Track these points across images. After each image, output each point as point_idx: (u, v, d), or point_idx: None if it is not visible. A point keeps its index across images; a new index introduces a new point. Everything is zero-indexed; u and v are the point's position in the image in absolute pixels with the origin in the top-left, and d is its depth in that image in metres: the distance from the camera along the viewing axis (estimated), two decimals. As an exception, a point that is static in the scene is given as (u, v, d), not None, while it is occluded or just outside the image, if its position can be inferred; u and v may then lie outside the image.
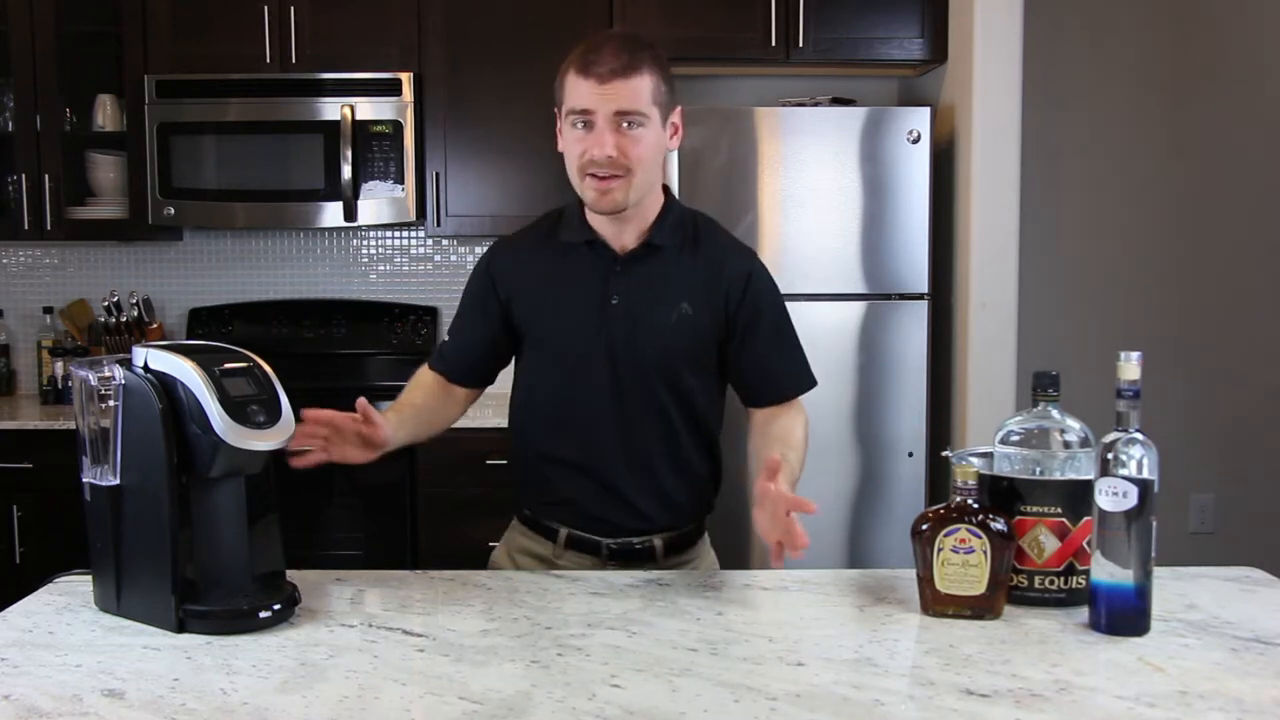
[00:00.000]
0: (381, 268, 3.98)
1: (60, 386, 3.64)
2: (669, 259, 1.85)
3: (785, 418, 1.90)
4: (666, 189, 1.89)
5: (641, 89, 1.73)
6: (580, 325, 1.84)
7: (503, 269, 1.91)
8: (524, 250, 1.93)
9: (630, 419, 1.84)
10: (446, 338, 1.99)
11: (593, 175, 1.75)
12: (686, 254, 1.86)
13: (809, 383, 1.96)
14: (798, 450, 1.85)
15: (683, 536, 1.92)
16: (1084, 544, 1.54)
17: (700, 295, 1.84)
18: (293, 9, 3.54)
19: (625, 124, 1.72)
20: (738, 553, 3.46)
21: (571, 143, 1.77)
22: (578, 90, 1.73)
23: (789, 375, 1.93)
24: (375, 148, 3.53)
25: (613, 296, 1.83)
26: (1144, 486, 1.44)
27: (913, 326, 3.42)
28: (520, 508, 1.98)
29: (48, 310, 3.87)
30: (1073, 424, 1.61)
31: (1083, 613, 1.52)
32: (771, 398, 1.92)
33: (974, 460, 1.59)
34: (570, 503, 1.89)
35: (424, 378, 2.00)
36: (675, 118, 1.82)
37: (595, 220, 1.85)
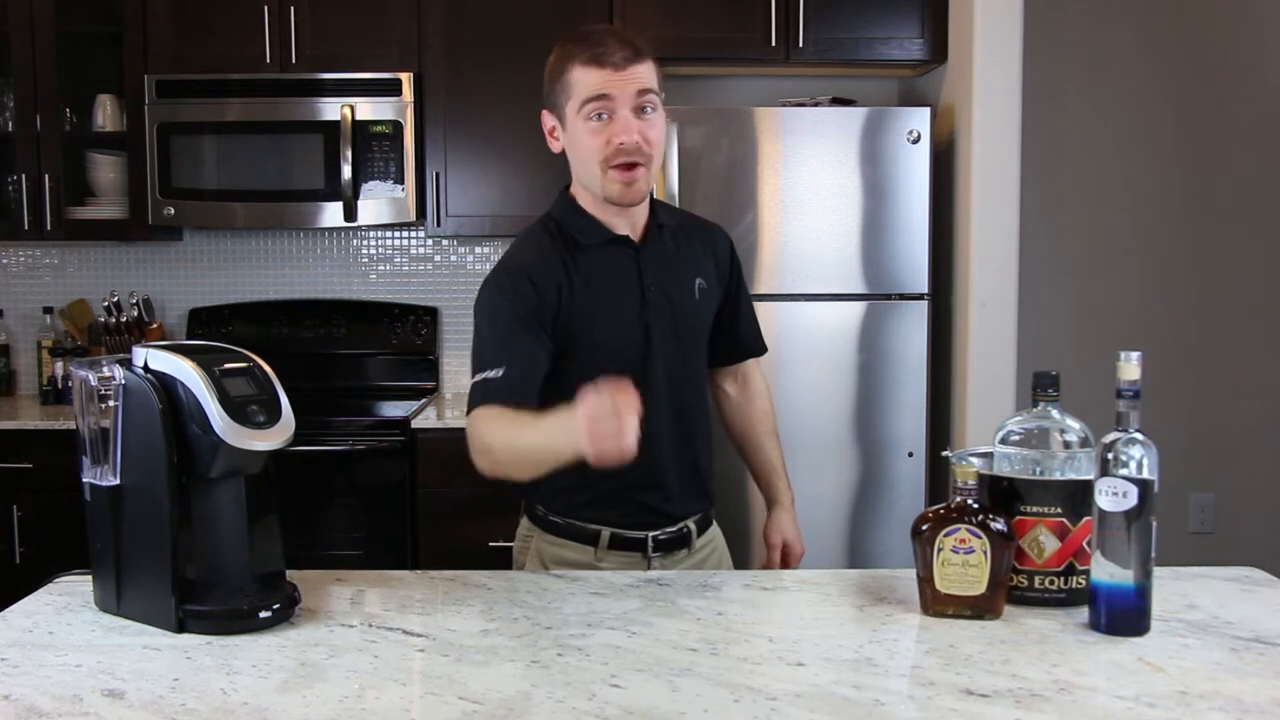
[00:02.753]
0: (381, 268, 3.98)
1: (60, 386, 3.64)
2: (672, 239, 1.91)
3: (755, 380, 2.13)
4: None
5: (651, 71, 1.77)
6: (628, 319, 1.83)
7: (546, 284, 1.79)
8: (553, 259, 1.82)
9: (679, 398, 1.89)
10: (493, 373, 1.75)
11: (616, 167, 1.74)
12: (681, 232, 1.93)
13: (762, 344, 2.13)
14: (774, 428, 2.14)
15: (705, 517, 2.00)
16: (1084, 544, 1.54)
17: (707, 269, 1.93)
18: (293, 9, 3.54)
19: (644, 108, 1.75)
20: (738, 553, 3.45)
21: (587, 136, 1.74)
22: (591, 80, 1.71)
23: (758, 334, 2.10)
24: (375, 148, 3.53)
25: (649, 286, 1.85)
26: (1144, 486, 1.44)
27: (913, 326, 3.42)
28: (547, 517, 1.91)
29: (48, 310, 3.87)
30: (1073, 424, 1.61)
31: (1083, 613, 1.52)
32: (745, 353, 2.09)
33: (974, 460, 1.59)
34: (615, 500, 1.85)
35: (501, 417, 1.72)
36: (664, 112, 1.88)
37: (606, 217, 1.83)
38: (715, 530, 2.04)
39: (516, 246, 1.88)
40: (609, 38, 1.74)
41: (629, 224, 1.86)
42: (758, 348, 2.10)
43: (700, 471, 1.95)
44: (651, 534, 1.89)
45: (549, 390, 1.76)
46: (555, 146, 1.82)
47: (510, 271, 1.81)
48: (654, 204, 1.91)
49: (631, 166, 1.74)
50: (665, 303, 1.86)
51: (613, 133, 1.73)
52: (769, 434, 2.13)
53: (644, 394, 1.74)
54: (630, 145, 1.72)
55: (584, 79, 1.72)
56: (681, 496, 1.92)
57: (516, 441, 1.68)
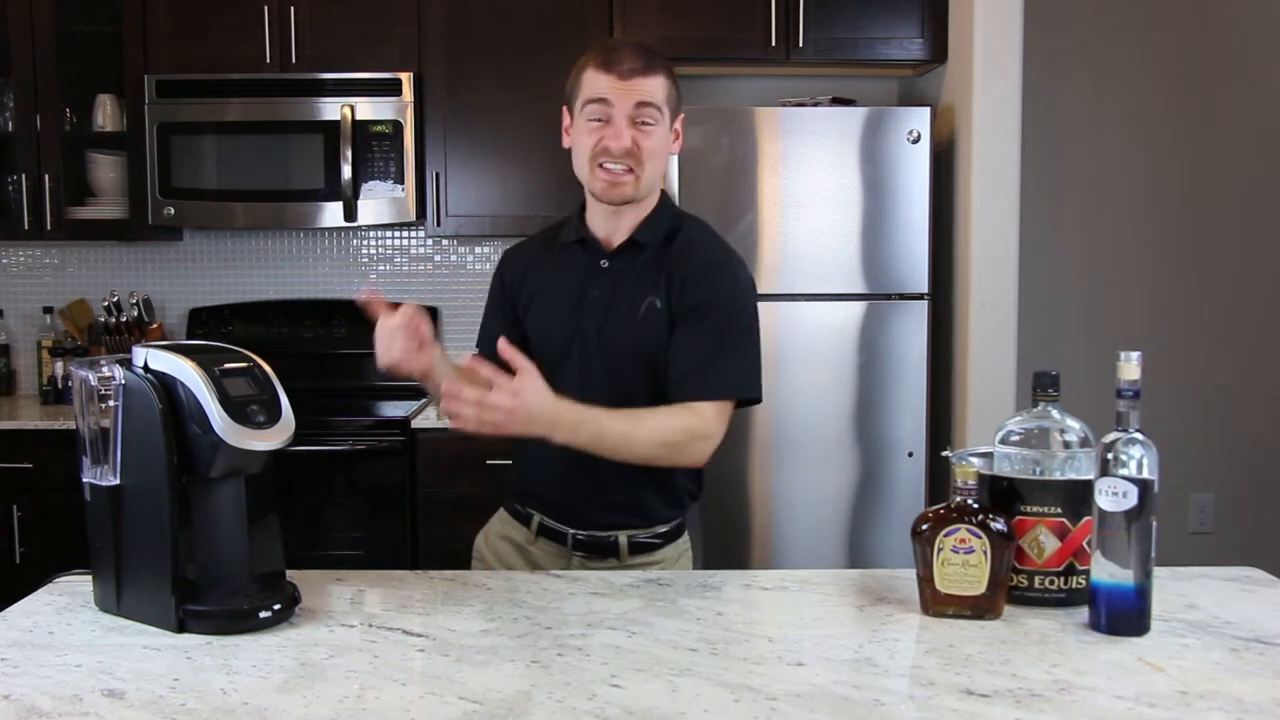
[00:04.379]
0: (381, 268, 3.98)
1: (60, 386, 3.64)
2: (649, 255, 1.89)
3: (669, 407, 1.80)
4: (664, 193, 1.95)
5: (658, 87, 1.82)
6: (559, 319, 1.90)
7: (511, 271, 2.00)
8: (527, 254, 2.01)
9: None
10: (476, 349, 1.99)
11: (604, 166, 1.81)
12: (660, 252, 1.90)
13: (722, 390, 1.82)
14: (636, 423, 1.76)
15: (653, 536, 1.93)
16: (1084, 544, 1.54)
17: (664, 292, 1.86)
18: (293, 9, 3.54)
19: (641, 120, 1.80)
20: (738, 553, 3.46)
21: (585, 134, 1.83)
22: (597, 83, 1.81)
23: (697, 379, 1.81)
24: (375, 148, 3.53)
25: (593, 290, 1.88)
26: (1144, 486, 1.44)
27: (913, 326, 3.42)
28: (506, 495, 2.04)
29: (48, 310, 3.87)
30: (1073, 424, 1.61)
31: (1083, 613, 1.52)
32: (675, 394, 1.82)
33: (974, 460, 1.59)
34: (543, 489, 1.94)
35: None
36: (678, 124, 1.89)
37: (592, 218, 1.92)
38: (668, 553, 1.96)
39: (528, 237, 2.08)
40: (627, 48, 1.83)
41: (610, 229, 1.90)
42: (688, 391, 1.81)
43: (630, 491, 1.87)
44: (572, 531, 1.92)
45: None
46: (566, 142, 1.91)
47: (501, 260, 2.05)
48: (658, 219, 1.90)
49: (619, 170, 1.81)
50: (602, 312, 1.87)
51: (606, 134, 1.81)
52: (632, 412, 1.78)
53: (565, 394, 1.78)
54: (617, 150, 1.80)
55: (592, 81, 1.81)
56: (601, 508, 1.89)
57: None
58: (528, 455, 1.95)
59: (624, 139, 1.80)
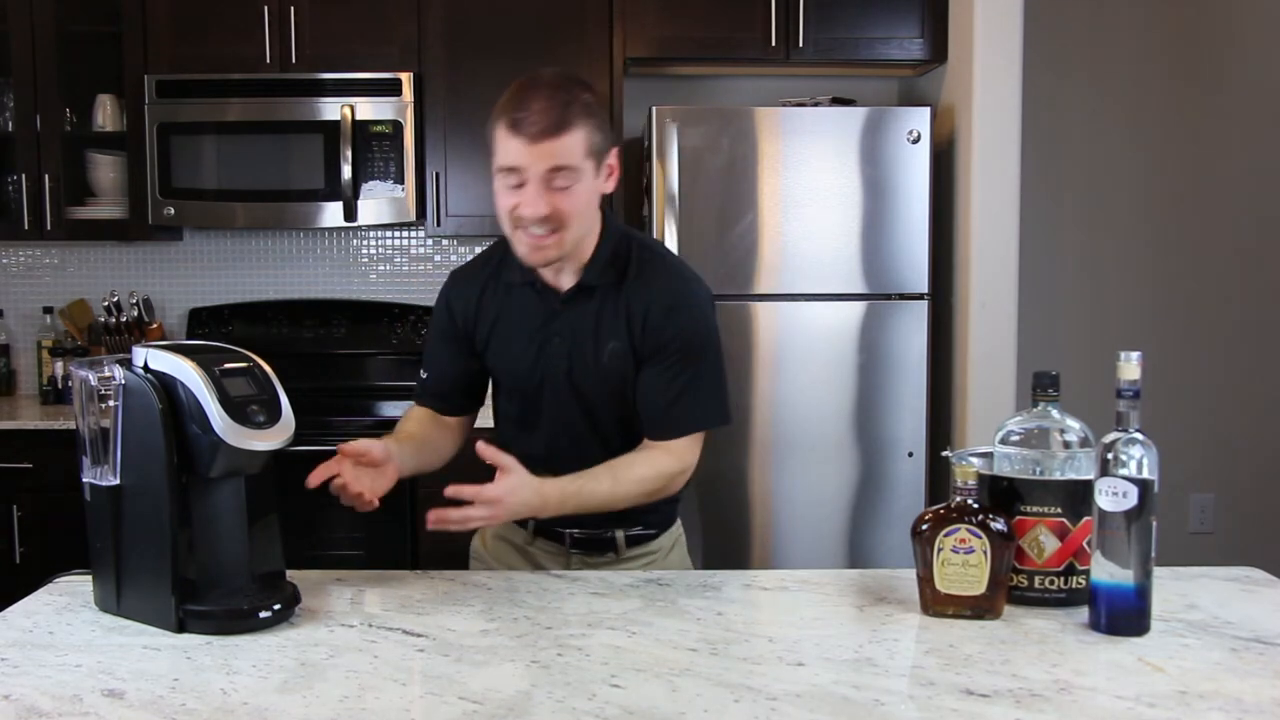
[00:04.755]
0: (381, 268, 3.98)
1: (60, 386, 3.64)
2: (602, 297, 1.83)
3: (643, 452, 1.83)
4: (606, 217, 1.85)
5: (573, 145, 1.68)
6: (526, 361, 1.86)
7: (458, 302, 1.93)
8: (475, 285, 1.91)
9: (575, 445, 1.86)
10: (423, 373, 1.99)
11: (524, 229, 1.72)
12: (615, 291, 1.82)
13: (693, 424, 1.83)
14: (619, 481, 1.78)
15: (647, 528, 1.95)
16: (1084, 544, 1.54)
17: (624, 334, 1.81)
18: (293, 9, 3.54)
19: (557, 183, 1.69)
20: (738, 553, 3.46)
21: (501, 195, 1.73)
22: (507, 148, 1.69)
23: (671, 418, 1.82)
24: (375, 148, 3.53)
25: (554, 336, 1.84)
26: (1144, 486, 1.44)
27: (913, 326, 3.42)
28: None
29: (48, 310, 3.87)
30: (1073, 424, 1.61)
31: (1083, 613, 1.52)
32: (653, 434, 1.83)
33: (974, 460, 1.59)
34: None
35: (415, 411, 2.00)
36: (611, 159, 1.77)
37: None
38: (663, 540, 1.97)
39: (473, 259, 1.98)
40: (536, 101, 1.67)
41: (554, 273, 1.83)
42: (663, 430, 1.82)
43: (613, 518, 1.88)
44: (569, 531, 1.91)
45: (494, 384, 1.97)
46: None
47: (446, 287, 1.96)
48: (601, 258, 1.82)
49: (540, 234, 1.72)
50: (567, 358, 1.83)
51: (522, 201, 1.70)
52: (610, 467, 1.80)
53: (551, 421, 1.87)
54: (533, 218, 1.69)
55: (502, 144, 1.70)
56: (591, 517, 1.87)
57: (395, 431, 1.93)
58: (521, 462, 1.91)
59: (539, 206, 1.68)
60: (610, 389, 1.84)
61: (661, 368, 1.81)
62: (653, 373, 1.81)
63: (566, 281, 1.83)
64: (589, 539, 1.92)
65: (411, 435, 1.91)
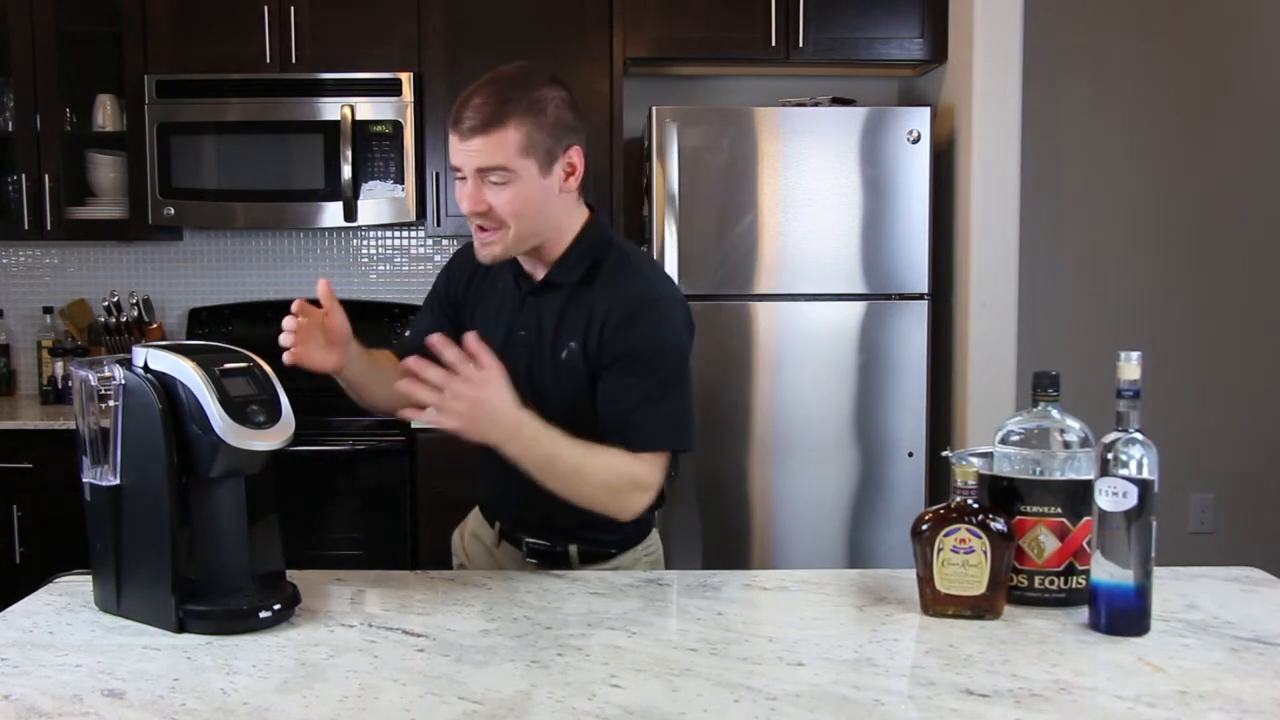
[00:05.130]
0: (381, 268, 3.98)
1: (60, 386, 3.64)
2: (565, 296, 1.79)
3: (616, 450, 1.71)
4: (593, 220, 1.82)
5: (504, 143, 1.66)
6: (498, 351, 1.78)
7: (457, 271, 1.94)
8: (469, 263, 1.90)
9: None
10: (408, 333, 2.02)
11: (476, 224, 1.73)
12: (580, 291, 1.78)
13: (648, 444, 1.71)
14: (588, 457, 1.67)
15: (603, 546, 1.88)
16: (1084, 544, 1.54)
17: (582, 333, 1.76)
18: (293, 9, 3.54)
19: (491, 178, 1.68)
20: (738, 553, 3.46)
21: (456, 189, 1.75)
22: (451, 144, 1.72)
23: (638, 428, 1.72)
24: (375, 148, 3.53)
25: (520, 329, 1.83)
26: (1144, 486, 1.44)
27: (913, 326, 3.42)
28: (480, 494, 2.03)
29: (48, 310, 3.87)
30: (1073, 424, 1.61)
31: (1083, 613, 1.52)
32: (615, 443, 1.72)
33: (974, 460, 1.59)
34: (497, 498, 1.94)
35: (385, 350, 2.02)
36: (572, 156, 1.73)
37: None
38: (623, 560, 1.90)
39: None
40: (476, 98, 1.69)
41: (533, 265, 1.82)
42: (620, 442, 1.71)
43: (575, 518, 1.76)
44: (526, 539, 1.89)
45: None
46: None
47: (454, 254, 1.98)
48: (572, 256, 1.79)
49: (487, 229, 1.72)
50: (528, 353, 1.81)
51: (461, 196, 1.72)
52: (588, 445, 1.69)
53: None
54: (468, 211, 1.71)
55: (451, 140, 1.72)
56: (545, 528, 1.86)
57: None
58: (486, 464, 1.83)
59: (473, 202, 1.69)
60: (564, 391, 1.77)
61: (620, 376, 1.73)
62: (611, 382, 1.74)
63: (539, 272, 1.82)
64: (544, 550, 1.88)
65: (373, 355, 1.91)
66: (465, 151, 1.68)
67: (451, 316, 1.93)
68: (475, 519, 2.03)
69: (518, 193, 1.69)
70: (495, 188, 1.68)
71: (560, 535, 1.86)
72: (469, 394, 1.53)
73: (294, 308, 1.74)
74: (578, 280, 1.78)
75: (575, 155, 1.74)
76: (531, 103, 1.68)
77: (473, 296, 1.91)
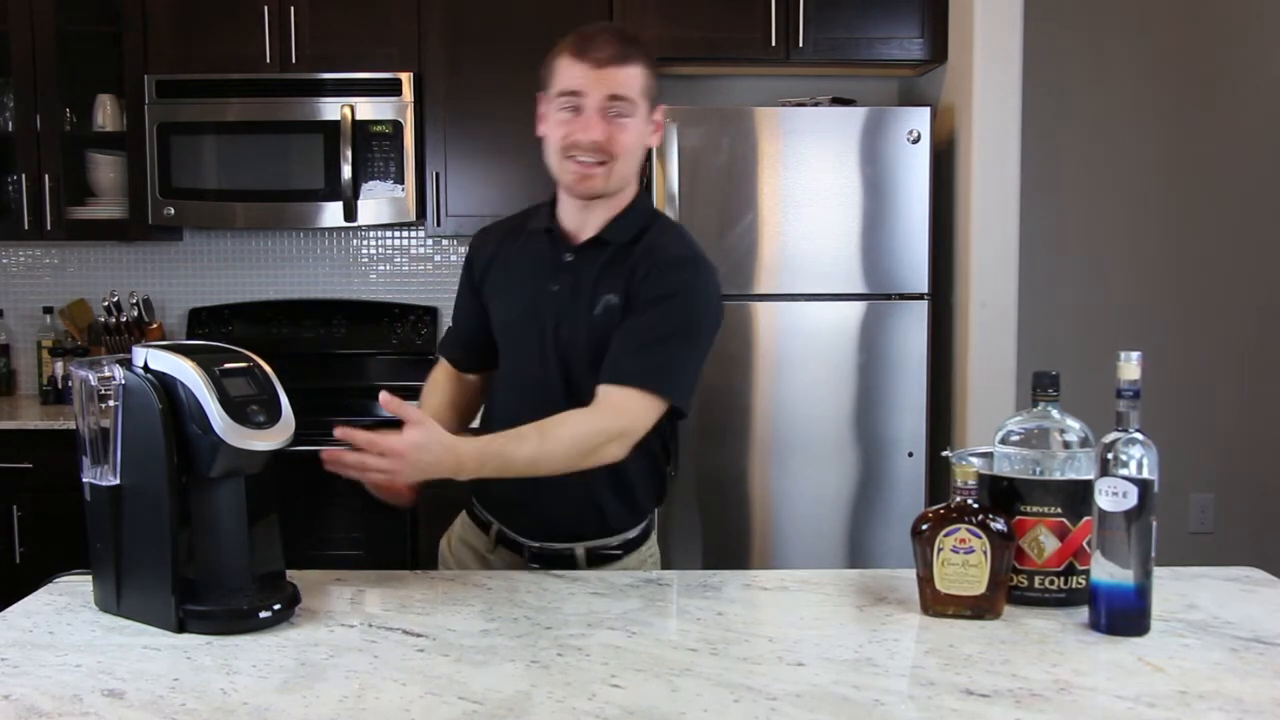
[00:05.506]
0: (381, 268, 3.98)
1: (60, 386, 3.64)
2: (612, 253, 1.82)
3: (581, 410, 1.72)
4: (642, 190, 1.88)
5: (634, 78, 1.75)
6: (520, 311, 1.86)
7: (478, 254, 1.97)
8: (496, 237, 1.96)
9: (560, 411, 1.75)
10: (450, 325, 2.05)
11: (574, 159, 1.76)
12: (625, 250, 1.82)
13: (637, 380, 1.71)
14: (546, 438, 1.67)
15: (611, 547, 1.88)
16: (1084, 544, 1.54)
17: (623, 291, 1.79)
18: (292, 9, 3.54)
19: (614, 111, 1.74)
20: (738, 553, 3.46)
21: (556, 125, 1.77)
22: (570, 73, 1.74)
23: (620, 361, 1.72)
24: (375, 148, 3.53)
25: (553, 285, 1.83)
26: (1144, 486, 1.44)
27: (913, 326, 3.42)
28: (470, 499, 1.99)
29: (48, 310, 3.87)
30: (1073, 424, 1.61)
31: (1083, 613, 1.52)
32: (605, 375, 1.73)
33: (974, 460, 1.59)
34: (501, 496, 1.88)
35: (437, 376, 2.04)
36: (658, 115, 1.83)
37: (563, 209, 1.86)
38: (629, 561, 1.90)
39: (499, 220, 2.03)
40: (604, 34, 1.76)
41: (579, 222, 1.84)
42: (610, 371, 1.73)
43: (594, 494, 1.81)
44: (529, 543, 1.87)
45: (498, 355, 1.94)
46: (540, 130, 1.84)
47: (473, 238, 2.02)
48: (629, 216, 1.83)
49: (589, 163, 1.75)
50: (561, 308, 1.81)
51: (575, 127, 1.74)
52: (539, 426, 1.69)
53: (524, 395, 1.83)
54: (587, 143, 1.74)
55: (565, 70, 1.75)
56: (562, 518, 1.84)
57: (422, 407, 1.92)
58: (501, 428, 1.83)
59: (594, 131, 1.73)
60: (595, 348, 1.77)
61: (645, 315, 1.75)
62: (634, 319, 1.76)
63: (587, 231, 1.83)
64: (548, 553, 1.86)
65: (439, 406, 1.94)
66: (597, 78, 1.73)
67: (480, 300, 1.95)
68: (463, 524, 2.00)
69: (632, 129, 1.77)
70: (615, 121, 1.74)
71: (568, 536, 1.85)
72: (384, 465, 1.56)
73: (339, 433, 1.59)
74: (627, 239, 1.83)
75: (661, 115, 1.84)
76: (648, 52, 1.80)
77: (497, 266, 1.92)
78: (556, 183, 1.84)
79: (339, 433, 1.56)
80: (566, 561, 1.86)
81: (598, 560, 1.87)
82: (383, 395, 1.59)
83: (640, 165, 1.84)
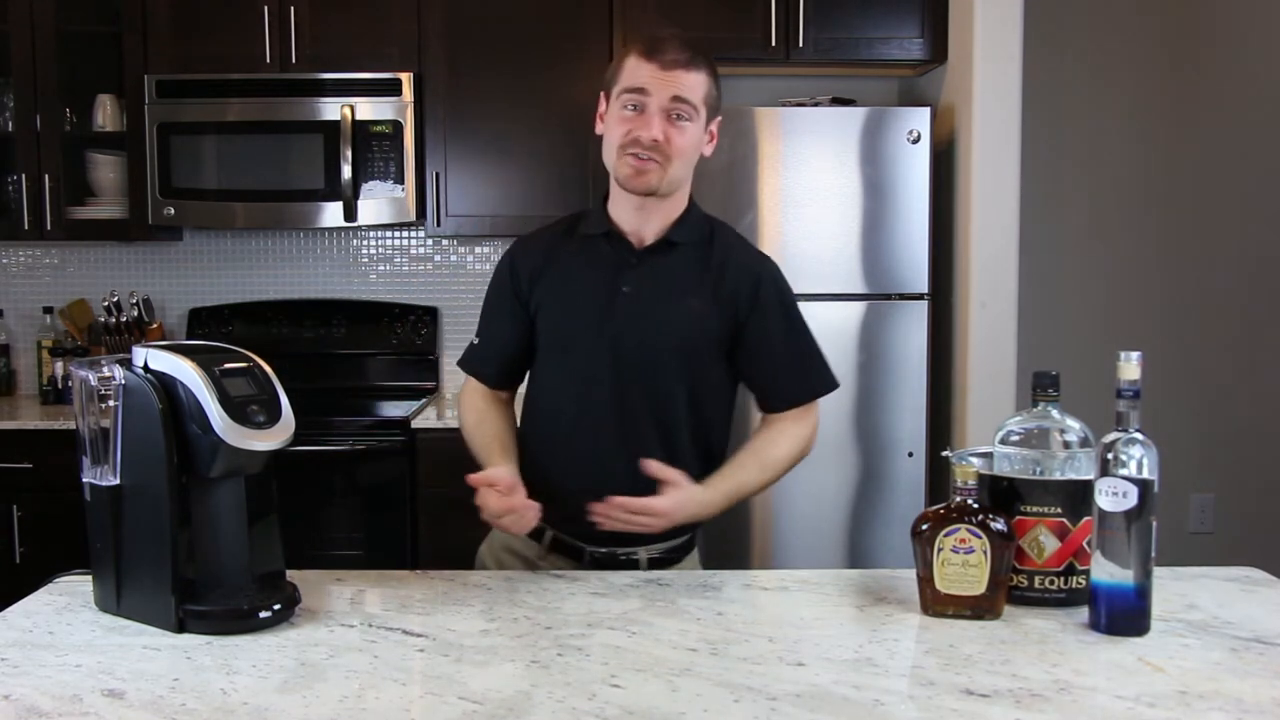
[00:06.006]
0: (381, 268, 3.98)
1: (60, 386, 3.64)
2: (685, 255, 1.87)
3: (776, 427, 1.92)
4: (692, 196, 1.92)
5: (698, 84, 1.79)
6: (588, 315, 1.86)
7: (524, 264, 1.93)
8: (543, 245, 1.95)
9: (629, 416, 1.84)
10: (475, 340, 2.00)
11: (632, 155, 1.78)
12: (701, 252, 1.88)
13: (821, 387, 1.95)
14: (767, 467, 1.88)
15: (670, 551, 1.90)
16: (1084, 544, 1.54)
17: (709, 294, 1.85)
18: (293, 9, 3.54)
19: (676, 114, 1.77)
20: (738, 553, 3.46)
21: (617, 122, 1.80)
22: (638, 72, 1.78)
23: (796, 382, 1.93)
24: (375, 148, 3.53)
25: (624, 286, 1.85)
26: (1144, 486, 1.44)
27: (913, 326, 3.42)
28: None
29: (48, 310, 3.87)
30: (1073, 424, 1.61)
31: (1083, 613, 1.52)
32: (779, 404, 1.93)
33: (974, 460, 1.59)
34: (560, 502, 1.84)
35: (478, 404, 1.99)
36: (714, 126, 1.87)
37: (618, 212, 1.88)
38: (684, 565, 1.93)
39: (534, 230, 2.02)
40: (674, 39, 1.81)
41: (637, 225, 1.86)
42: (792, 395, 1.92)
43: (639, 538, 1.82)
44: (589, 548, 1.87)
45: (534, 369, 1.96)
46: (599, 128, 1.88)
47: (510, 249, 1.98)
48: (689, 219, 1.88)
49: (646, 159, 1.78)
50: (637, 311, 1.83)
51: (638, 124, 1.78)
52: (754, 454, 1.89)
53: (587, 398, 1.84)
54: (646, 140, 1.77)
55: (632, 68, 1.79)
56: (614, 536, 1.82)
57: (471, 440, 1.96)
58: (545, 468, 1.87)
59: (654, 130, 1.76)
60: (680, 348, 1.84)
61: (769, 332, 1.89)
62: (762, 338, 1.88)
63: (650, 233, 1.86)
64: (609, 558, 1.86)
65: (497, 434, 1.94)
66: (663, 80, 1.77)
67: (524, 308, 1.93)
68: (502, 535, 1.96)
69: (691, 134, 1.81)
70: (675, 124, 1.78)
71: (630, 540, 1.84)
72: (653, 524, 1.73)
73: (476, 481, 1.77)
74: (699, 239, 1.88)
75: (717, 126, 1.88)
76: (713, 65, 1.84)
77: (551, 274, 1.91)
78: (611, 184, 1.87)
79: (617, 502, 1.70)
80: (629, 567, 1.86)
81: (657, 564, 1.89)
82: (644, 461, 1.74)
83: (691, 172, 1.86)
